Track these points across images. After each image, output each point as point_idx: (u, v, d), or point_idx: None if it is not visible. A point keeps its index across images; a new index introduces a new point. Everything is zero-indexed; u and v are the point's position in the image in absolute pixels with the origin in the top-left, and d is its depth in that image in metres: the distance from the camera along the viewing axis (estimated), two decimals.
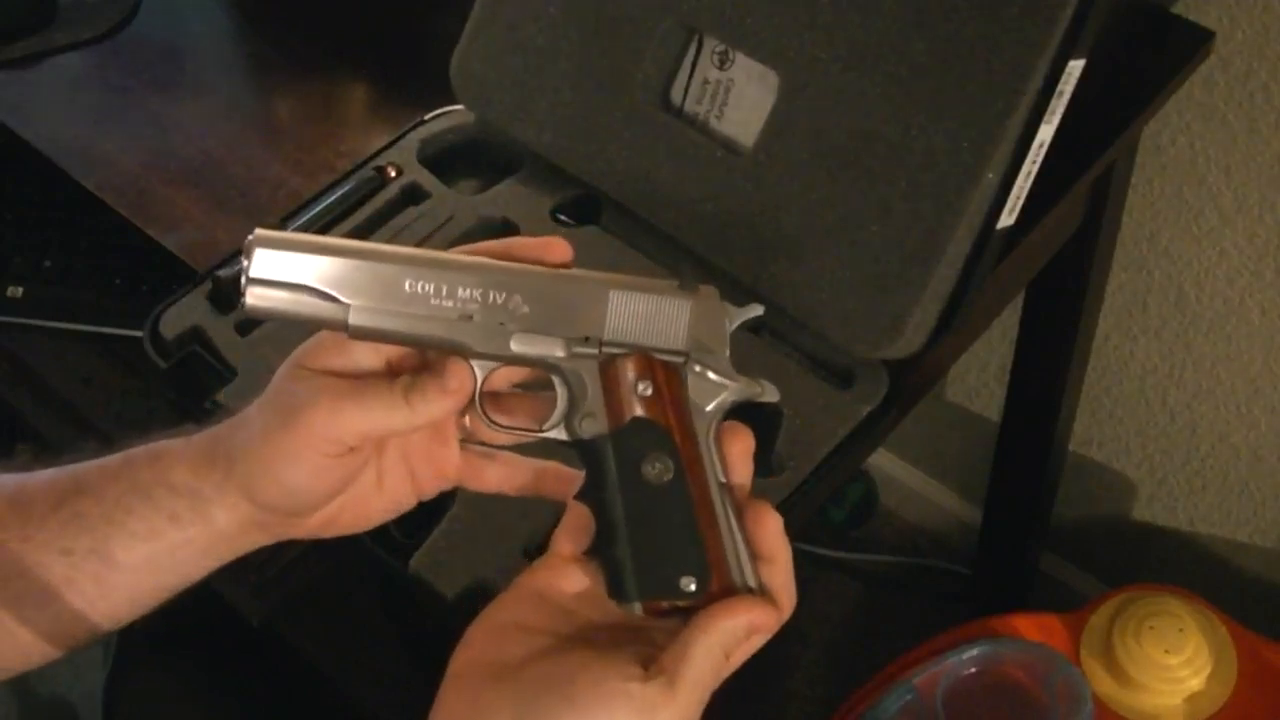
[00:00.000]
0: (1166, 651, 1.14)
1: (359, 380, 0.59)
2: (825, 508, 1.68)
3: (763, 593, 0.58)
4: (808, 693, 1.59)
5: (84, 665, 0.90)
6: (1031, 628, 1.20)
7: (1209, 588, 1.23)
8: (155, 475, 0.61)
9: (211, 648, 0.94)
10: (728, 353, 0.60)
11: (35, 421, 0.98)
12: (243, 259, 0.58)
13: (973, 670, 1.13)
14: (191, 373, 0.86)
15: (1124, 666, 1.14)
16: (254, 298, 0.58)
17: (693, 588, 0.58)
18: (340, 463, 0.59)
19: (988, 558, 1.58)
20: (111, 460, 0.62)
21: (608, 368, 0.59)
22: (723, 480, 0.59)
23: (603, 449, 0.59)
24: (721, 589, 0.58)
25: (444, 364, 0.59)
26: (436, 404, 0.58)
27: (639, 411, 0.59)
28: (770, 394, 0.61)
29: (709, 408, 0.59)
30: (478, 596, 0.77)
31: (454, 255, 0.60)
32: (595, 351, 0.59)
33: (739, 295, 0.61)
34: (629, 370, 0.59)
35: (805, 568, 1.57)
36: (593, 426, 0.59)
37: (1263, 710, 1.14)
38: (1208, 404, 1.32)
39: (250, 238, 0.58)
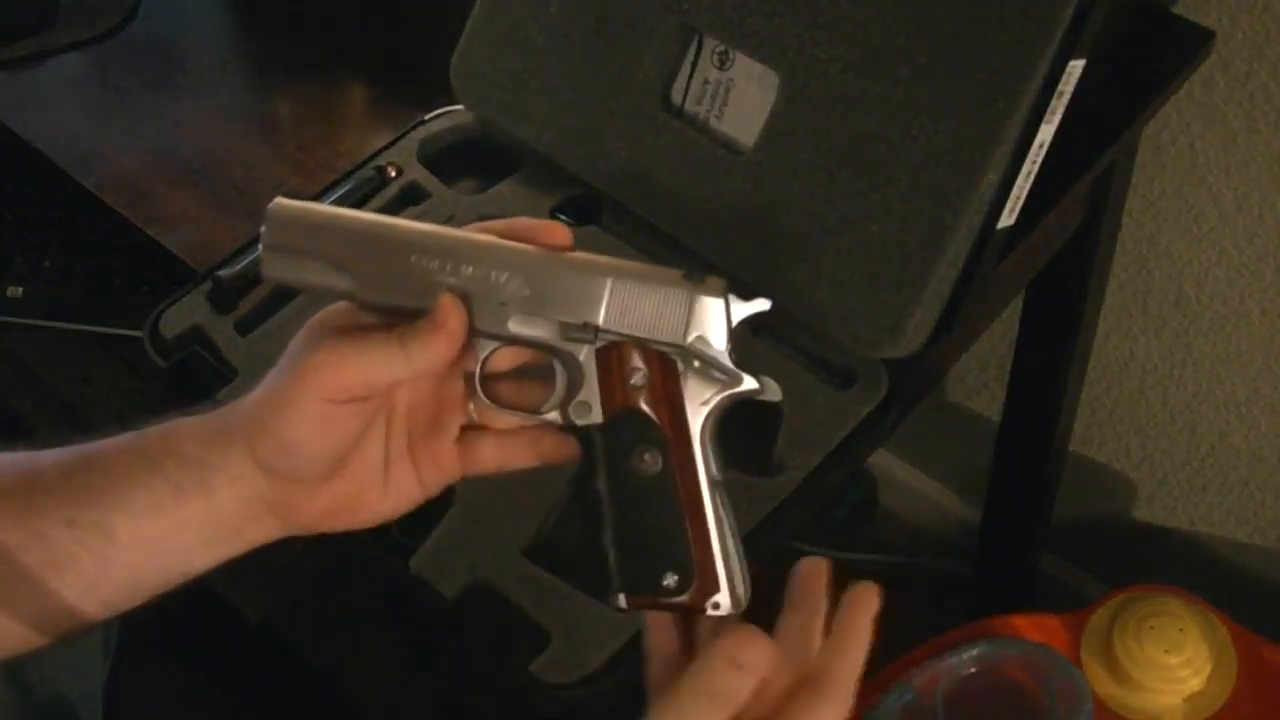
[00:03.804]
0: (1166, 651, 1.14)
1: (360, 331, 0.60)
2: (825, 508, 1.68)
3: (746, 596, 0.58)
4: None
5: (84, 665, 0.90)
6: (1031, 628, 1.20)
7: (1209, 588, 1.23)
8: (165, 446, 0.61)
9: (211, 648, 0.94)
10: (727, 347, 0.59)
11: (35, 421, 0.98)
12: (263, 226, 0.60)
13: (973, 670, 1.13)
14: (191, 373, 0.86)
15: (1124, 666, 1.14)
16: (268, 264, 0.60)
17: (675, 584, 0.57)
18: (341, 412, 0.59)
19: (988, 558, 1.58)
20: (123, 436, 0.63)
21: (604, 355, 0.59)
22: (717, 477, 0.59)
23: (593, 437, 0.59)
24: (704, 589, 0.57)
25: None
26: (430, 345, 0.58)
27: (631, 402, 0.58)
28: (771, 392, 0.60)
29: (704, 402, 0.59)
30: (478, 596, 0.77)
31: (461, 233, 0.61)
32: (590, 338, 0.59)
33: (744, 292, 0.61)
34: (624, 359, 0.59)
35: None
36: (585, 413, 0.59)
37: (1263, 710, 1.14)
38: (1208, 404, 1.32)
39: (270, 206, 0.60)
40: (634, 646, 0.66)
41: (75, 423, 0.96)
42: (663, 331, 0.59)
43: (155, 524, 0.61)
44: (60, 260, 1.05)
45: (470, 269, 0.59)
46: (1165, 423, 1.37)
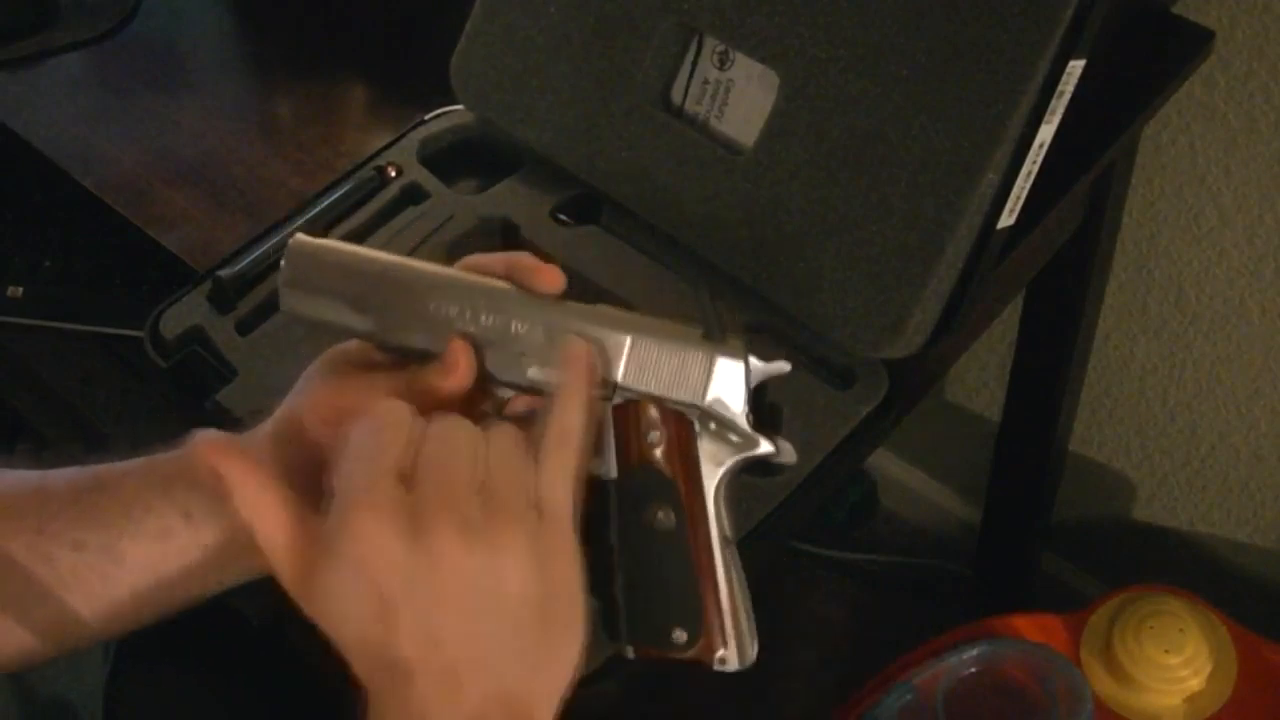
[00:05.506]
0: (1166, 651, 1.14)
1: (370, 370, 0.60)
2: (825, 508, 1.68)
3: (754, 652, 0.58)
4: (808, 693, 1.59)
5: (84, 665, 0.90)
6: (1031, 628, 1.20)
7: (1209, 588, 1.23)
8: (177, 469, 0.61)
9: (212, 649, 0.94)
10: (744, 409, 0.58)
11: (35, 421, 0.98)
12: (282, 262, 0.60)
13: (973, 670, 1.13)
14: (191, 373, 0.86)
15: (1124, 666, 1.14)
16: (286, 299, 0.60)
17: (684, 639, 0.58)
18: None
19: (988, 558, 1.58)
20: (135, 460, 0.63)
21: (621, 411, 0.58)
22: (728, 536, 0.59)
23: (608, 490, 0.59)
24: (709, 644, 0.58)
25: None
26: (437, 389, 0.58)
27: (647, 459, 0.58)
28: (786, 455, 0.60)
29: (719, 463, 0.59)
30: None
31: (480, 280, 0.60)
32: (608, 394, 0.58)
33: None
34: (641, 416, 0.58)
35: (805, 568, 1.58)
36: (600, 467, 0.59)
37: (1263, 710, 1.14)
38: (1208, 404, 1.32)
39: (290, 243, 0.60)
40: None
41: (75, 423, 0.96)
42: (681, 391, 0.58)
43: (163, 549, 0.61)
44: (60, 260, 1.04)
45: (490, 318, 0.58)
46: (1165, 423, 1.37)
